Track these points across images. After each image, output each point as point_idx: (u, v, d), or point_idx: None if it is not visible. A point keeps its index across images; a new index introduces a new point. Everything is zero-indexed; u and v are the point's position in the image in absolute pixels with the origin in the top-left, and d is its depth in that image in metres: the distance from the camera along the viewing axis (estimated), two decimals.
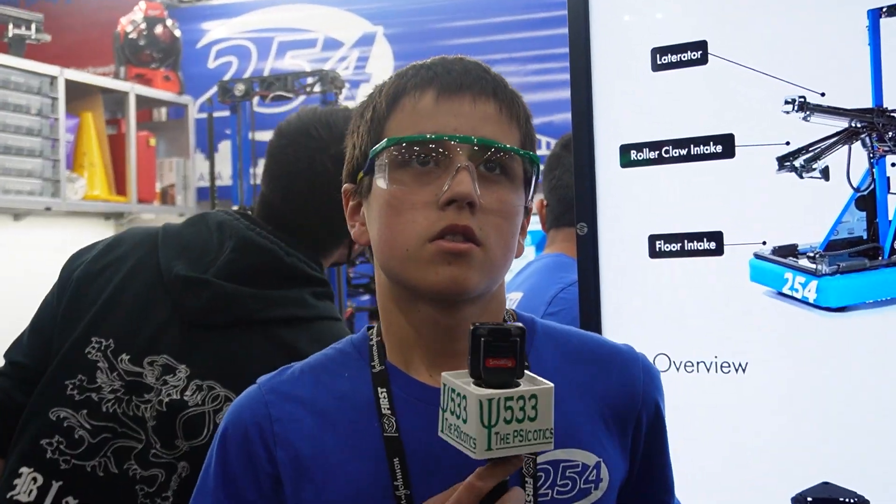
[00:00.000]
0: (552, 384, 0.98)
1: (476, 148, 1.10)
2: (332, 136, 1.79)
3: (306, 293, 1.74)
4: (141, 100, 5.14)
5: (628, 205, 1.74)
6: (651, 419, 1.24)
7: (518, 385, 0.98)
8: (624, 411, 1.21)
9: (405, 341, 1.17)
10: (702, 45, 1.67)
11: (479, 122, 1.11)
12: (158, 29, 5.44)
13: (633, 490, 1.23)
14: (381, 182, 1.11)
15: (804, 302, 1.59)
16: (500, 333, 0.97)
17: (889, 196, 1.54)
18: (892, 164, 1.53)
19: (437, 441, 1.06)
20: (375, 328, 1.22)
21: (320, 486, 1.10)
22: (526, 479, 1.11)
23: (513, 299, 2.20)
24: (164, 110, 5.93)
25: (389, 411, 1.13)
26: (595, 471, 1.15)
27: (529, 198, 1.19)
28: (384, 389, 1.14)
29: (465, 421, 0.96)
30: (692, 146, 1.68)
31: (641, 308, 1.73)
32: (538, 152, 1.20)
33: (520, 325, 0.98)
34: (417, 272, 1.09)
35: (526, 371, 0.99)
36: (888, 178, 1.54)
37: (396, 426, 1.12)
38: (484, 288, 1.12)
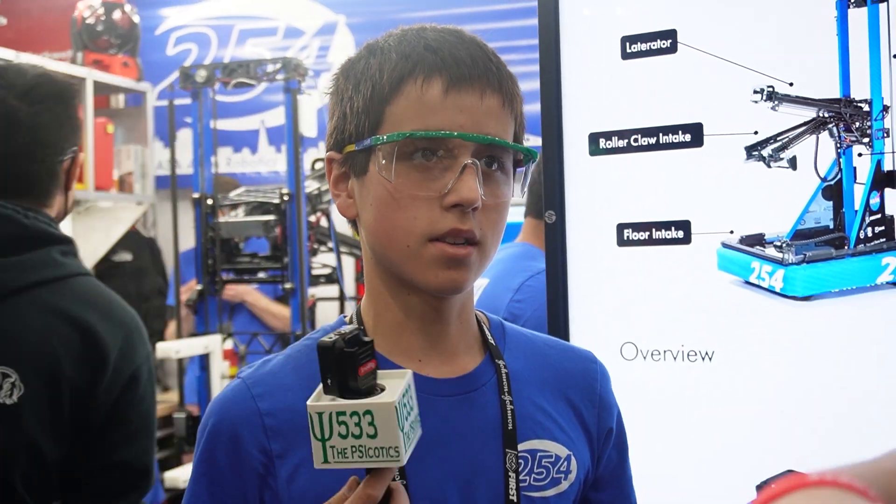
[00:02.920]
0: (395, 399, 0.95)
1: (489, 146, 1.10)
2: (8, 77, 1.75)
3: (54, 252, 1.74)
4: (98, 86, 5.07)
5: (597, 193, 1.74)
6: (612, 406, 1.26)
7: (382, 386, 0.96)
8: (585, 405, 1.23)
9: (396, 326, 1.16)
10: (671, 34, 1.67)
11: (485, 118, 1.09)
12: (117, 14, 5.36)
13: (606, 493, 1.25)
14: (382, 171, 1.09)
15: (771, 291, 1.61)
16: (357, 340, 0.95)
17: (855, 186, 1.55)
18: (859, 155, 1.55)
19: (430, 431, 1.08)
20: (352, 317, 1.20)
21: (314, 476, 1.08)
22: (509, 473, 1.13)
23: (478, 286, 2.19)
24: (121, 97, 5.85)
25: None
26: (566, 462, 1.17)
27: (522, 189, 1.19)
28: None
29: (373, 435, 0.94)
30: (661, 135, 1.68)
31: (609, 296, 1.74)
32: None
33: (355, 326, 0.97)
34: (416, 270, 1.09)
35: (397, 378, 0.98)
36: (854, 168, 1.55)
37: None
38: (474, 282, 1.15)
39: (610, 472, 1.25)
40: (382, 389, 0.96)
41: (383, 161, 1.09)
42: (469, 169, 1.07)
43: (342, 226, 4.35)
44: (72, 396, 1.67)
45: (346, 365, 0.93)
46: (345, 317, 1.23)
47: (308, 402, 0.95)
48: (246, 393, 1.13)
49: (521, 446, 1.14)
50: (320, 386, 0.96)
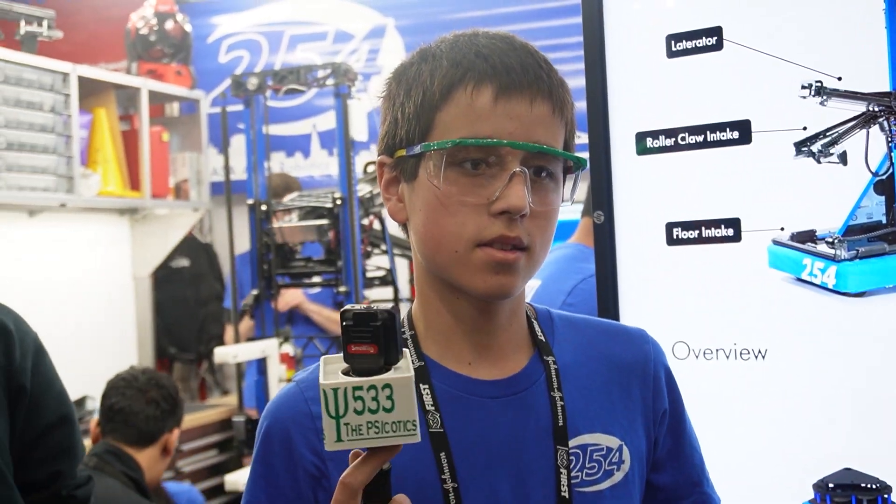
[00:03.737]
0: (411, 374, 0.95)
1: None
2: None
3: None
4: (153, 95, 5.14)
5: (645, 192, 1.74)
6: (665, 387, 1.26)
7: (383, 373, 0.95)
8: (640, 381, 1.24)
9: (446, 330, 1.17)
10: (717, 31, 1.66)
11: (534, 125, 1.10)
12: (169, 24, 5.43)
13: (667, 473, 1.26)
14: (431, 177, 1.10)
15: (823, 287, 1.59)
16: (362, 318, 0.94)
17: None
18: None
19: (482, 434, 1.11)
20: (404, 320, 1.21)
21: None
22: (560, 470, 1.14)
23: (531, 287, 2.19)
24: (176, 105, 5.93)
25: (433, 407, 1.13)
26: (618, 453, 1.18)
27: (572, 195, 1.18)
28: (426, 385, 1.14)
29: (389, 409, 0.94)
30: (708, 133, 1.67)
31: (659, 296, 1.73)
32: None
33: (387, 309, 0.95)
34: (464, 275, 1.11)
35: (403, 358, 0.97)
36: None
37: (441, 421, 1.13)
38: (523, 287, 1.16)
39: (666, 452, 1.26)
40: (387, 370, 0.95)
41: (433, 167, 1.10)
42: (517, 177, 1.08)
43: (395, 228, 4.37)
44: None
45: (344, 336, 0.94)
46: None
47: (322, 381, 0.95)
48: (299, 396, 1.15)
49: (572, 442, 1.15)
50: (337, 367, 0.97)
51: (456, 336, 1.17)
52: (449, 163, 1.09)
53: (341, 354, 0.98)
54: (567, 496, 1.13)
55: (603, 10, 1.76)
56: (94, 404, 4.38)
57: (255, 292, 3.89)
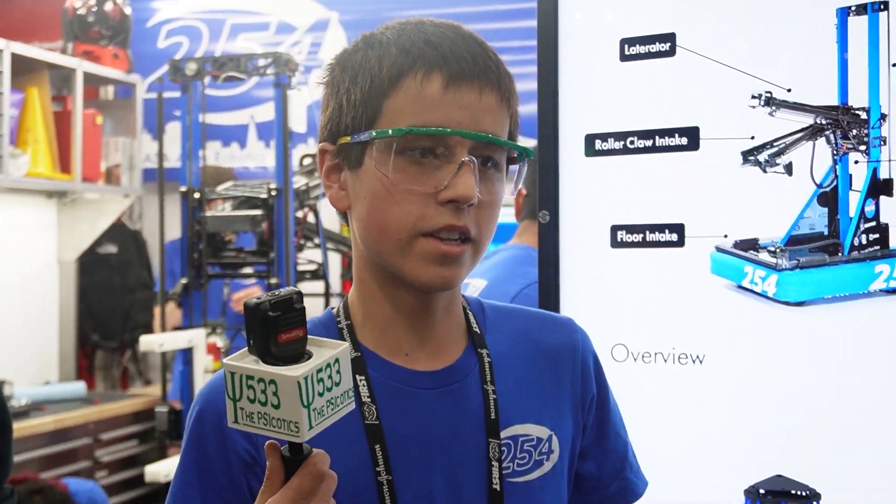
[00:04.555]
0: (346, 343, 0.96)
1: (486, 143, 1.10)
2: None
3: None
4: (88, 77, 5.03)
5: (592, 194, 1.74)
6: (593, 374, 1.27)
7: (311, 354, 0.94)
8: (569, 368, 1.25)
9: (384, 320, 1.16)
10: (670, 38, 1.67)
11: (482, 115, 1.09)
12: (108, 6, 5.32)
13: (592, 461, 1.26)
14: (378, 164, 1.09)
15: (763, 296, 1.61)
16: (285, 304, 0.92)
17: (851, 193, 1.56)
18: (856, 162, 1.55)
19: (418, 426, 1.11)
20: (339, 309, 1.20)
21: None
22: (492, 462, 1.14)
23: (477, 287, 2.18)
24: (111, 88, 5.81)
25: (369, 399, 1.12)
26: (548, 443, 1.19)
27: (516, 187, 1.18)
28: (362, 377, 1.13)
29: (276, 406, 0.92)
30: (657, 138, 1.68)
31: (601, 297, 1.73)
32: None
33: (297, 290, 0.95)
34: (407, 265, 1.09)
35: (327, 348, 0.97)
36: (850, 175, 1.56)
37: (376, 413, 1.11)
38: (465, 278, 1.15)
39: (592, 440, 1.27)
40: (309, 357, 0.94)
41: (380, 155, 1.09)
42: (466, 166, 1.07)
43: (329, 222, 4.34)
44: None
45: (268, 328, 0.91)
46: (332, 309, 1.22)
47: (224, 359, 0.94)
48: None
49: (503, 433, 1.15)
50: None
51: (394, 326, 1.16)
52: (397, 151, 1.08)
53: (237, 354, 0.95)
54: (498, 489, 1.13)
55: (558, 11, 1.76)
56: (12, 389, 4.28)
57: (184, 281, 3.83)
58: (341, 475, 1.01)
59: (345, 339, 1.15)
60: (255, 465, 1.10)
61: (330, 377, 0.93)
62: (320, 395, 0.92)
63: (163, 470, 3.48)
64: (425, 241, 1.08)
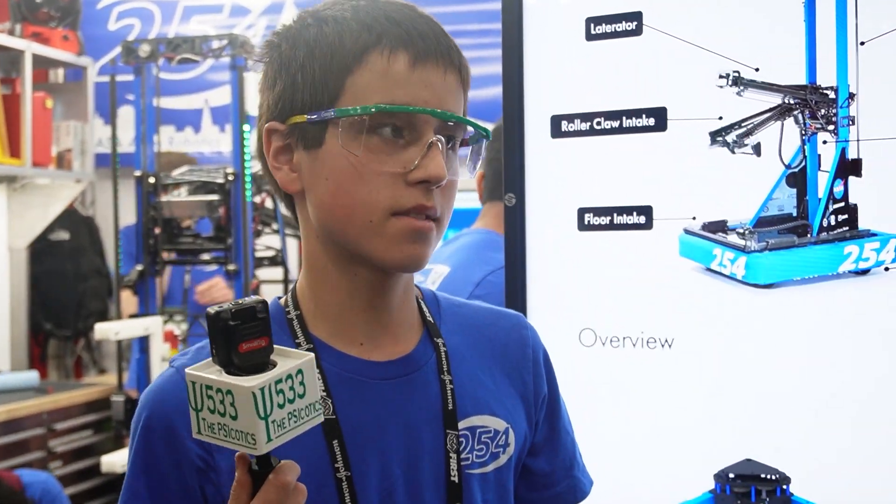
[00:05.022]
0: (311, 354, 0.93)
1: (449, 123, 1.08)
2: None
3: None
4: (37, 59, 4.92)
5: (558, 177, 1.71)
6: (544, 371, 1.26)
7: (275, 364, 0.91)
8: (520, 366, 1.23)
9: (338, 308, 1.12)
10: (637, 16, 1.64)
11: (446, 94, 1.08)
12: None
13: (543, 458, 1.25)
14: (345, 144, 1.05)
15: (732, 278, 1.59)
16: (247, 313, 0.89)
17: (819, 174, 1.54)
18: (824, 142, 1.54)
19: (375, 417, 1.08)
20: (287, 300, 1.16)
21: None
22: (450, 454, 1.12)
23: (440, 273, 2.14)
24: (60, 71, 5.70)
25: (324, 392, 1.08)
26: (504, 436, 1.17)
27: (476, 169, 1.16)
28: (317, 370, 1.08)
29: (234, 417, 0.89)
30: (624, 118, 1.66)
31: (568, 281, 1.71)
32: None
33: (261, 298, 0.93)
34: (379, 245, 1.06)
35: (273, 345, 0.94)
36: (819, 155, 1.54)
37: (332, 407, 1.08)
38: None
39: (543, 437, 1.25)
40: (273, 367, 0.91)
41: (348, 134, 1.05)
42: (435, 145, 1.05)
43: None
44: None
45: (229, 338, 0.89)
46: (279, 299, 1.18)
47: (187, 369, 0.92)
48: (181, 383, 1.04)
49: (461, 424, 1.13)
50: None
51: (349, 315, 1.12)
52: (367, 129, 1.04)
53: (200, 364, 0.92)
54: (457, 480, 1.11)
55: None
56: None
57: (139, 268, 3.76)
58: (301, 473, 0.97)
59: (295, 331, 1.12)
60: (209, 471, 1.06)
61: (292, 388, 0.90)
62: (280, 406, 0.89)
63: (119, 460, 3.42)
64: (397, 220, 1.05)
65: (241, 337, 0.89)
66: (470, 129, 1.12)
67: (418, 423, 1.11)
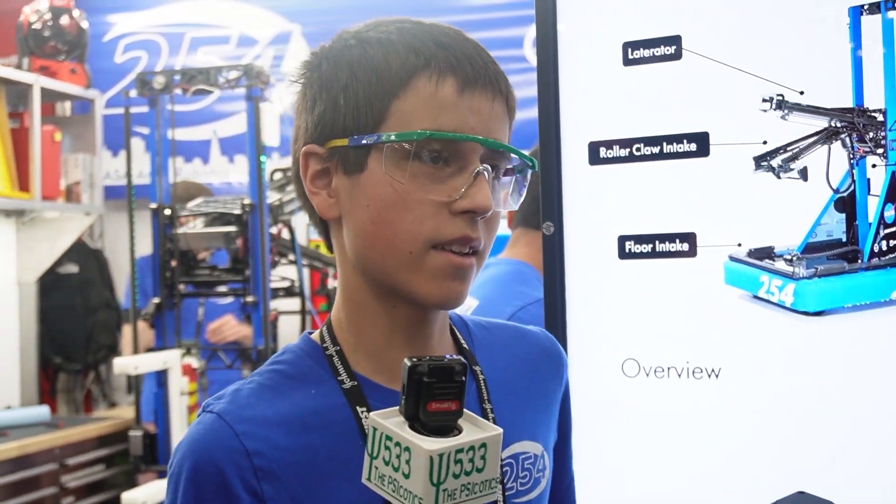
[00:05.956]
0: (500, 429, 0.90)
1: (496, 152, 1.05)
2: None
3: None
4: (45, 93, 4.91)
5: (597, 204, 1.68)
6: (566, 400, 1.27)
7: (461, 429, 0.89)
8: (553, 394, 1.22)
9: (379, 343, 1.08)
10: (676, 40, 1.62)
11: (493, 122, 1.05)
12: (64, 20, 5.20)
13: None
14: (389, 170, 1.01)
15: (780, 306, 1.55)
16: (444, 373, 0.87)
17: (869, 198, 1.51)
18: (873, 166, 1.50)
19: None
20: (323, 334, 1.12)
21: None
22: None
23: (468, 306, 2.06)
24: (68, 104, 5.69)
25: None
26: (542, 460, 1.16)
27: (519, 198, 1.13)
28: (363, 408, 1.04)
29: (406, 476, 0.86)
30: (665, 144, 1.62)
31: (610, 311, 1.67)
32: None
33: (461, 359, 0.90)
34: (418, 280, 1.03)
35: (464, 410, 0.91)
36: (868, 179, 1.51)
37: None
38: None
39: (557, 453, 1.25)
40: (458, 433, 0.88)
41: (393, 159, 1.01)
42: (482, 175, 1.02)
43: (303, 238, 4.27)
44: None
45: (420, 393, 0.87)
46: (310, 334, 1.14)
47: (372, 414, 0.90)
48: (227, 431, 1.03)
49: (504, 452, 1.10)
50: (394, 421, 0.90)
51: (390, 349, 1.08)
52: (411, 156, 1.01)
53: (387, 410, 0.90)
54: None
55: (557, 14, 1.70)
56: None
57: (156, 300, 3.72)
58: None
59: (336, 367, 1.08)
60: None
61: (472, 461, 0.87)
62: (455, 476, 0.86)
63: (139, 497, 3.36)
64: (437, 254, 1.02)
65: (432, 395, 0.87)
66: (515, 157, 1.09)
67: None
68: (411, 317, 1.07)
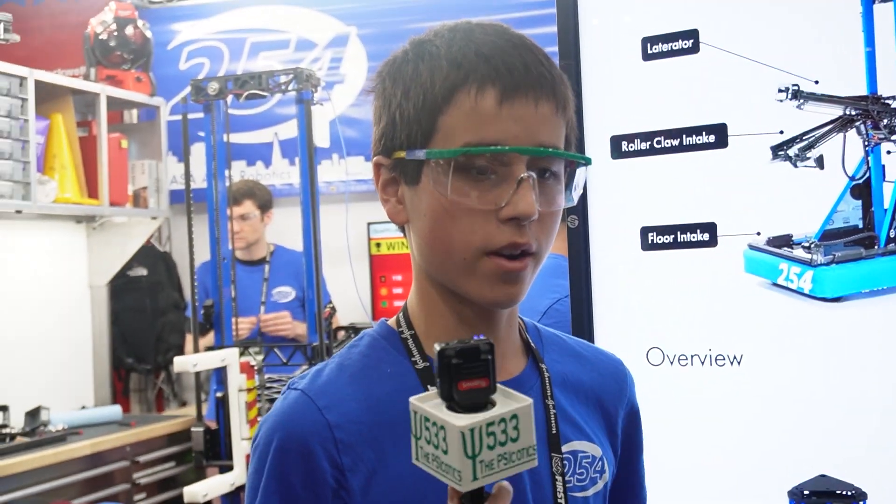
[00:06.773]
0: (530, 399, 0.94)
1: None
2: None
3: None
4: (112, 101, 5.06)
5: (620, 197, 1.72)
6: (632, 422, 1.28)
7: (494, 403, 0.93)
8: (615, 411, 1.25)
9: (449, 331, 1.14)
10: (693, 34, 1.65)
11: (539, 126, 1.07)
12: (129, 30, 5.35)
13: (613, 496, 1.25)
14: (437, 185, 1.07)
15: (799, 293, 1.58)
16: (470, 353, 0.92)
17: (885, 184, 1.53)
18: (888, 152, 1.52)
19: None
20: (399, 320, 1.18)
21: (389, 486, 1.07)
22: (556, 476, 1.13)
23: None
24: (134, 112, 5.84)
25: None
26: (601, 462, 1.19)
27: (577, 194, 1.15)
28: (434, 388, 1.10)
29: (445, 452, 0.91)
30: (684, 136, 1.66)
31: (634, 301, 1.71)
32: None
33: (488, 340, 0.94)
34: (472, 284, 1.08)
35: (498, 385, 0.95)
36: (883, 166, 1.53)
37: None
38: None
39: (623, 473, 1.26)
40: (491, 407, 0.93)
41: (437, 174, 1.07)
42: (525, 182, 1.05)
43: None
44: None
45: (451, 375, 0.92)
46: (387, 321, 1.20)
47: (412, 398, 0.95)
48: (311, 405, 1.10)
49: (563, 448, 1.15)
50: (433, 403, 0.95)
51: (458, 338, 1.13)
52: (455, 170, 1.05)
53: (426, 393, 0.96)
54: (563, 502, 1.13)
55: (578, 11, 1.74)
56: (48, 415, 4.30)
57: (209, 303, 3.83)
58: (425, 491, 1.02)
59: (410, 349, 1.14)
60: (340, 490, 1.08)
61: (504, 432, 0.92)
62: (490, 447, 0.91)
63: (201, 490, 3.47)
64: (489, 260, 1.06)
65: (461, 375, 0.92)
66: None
67: None
68: (475, 312, 1.13)
